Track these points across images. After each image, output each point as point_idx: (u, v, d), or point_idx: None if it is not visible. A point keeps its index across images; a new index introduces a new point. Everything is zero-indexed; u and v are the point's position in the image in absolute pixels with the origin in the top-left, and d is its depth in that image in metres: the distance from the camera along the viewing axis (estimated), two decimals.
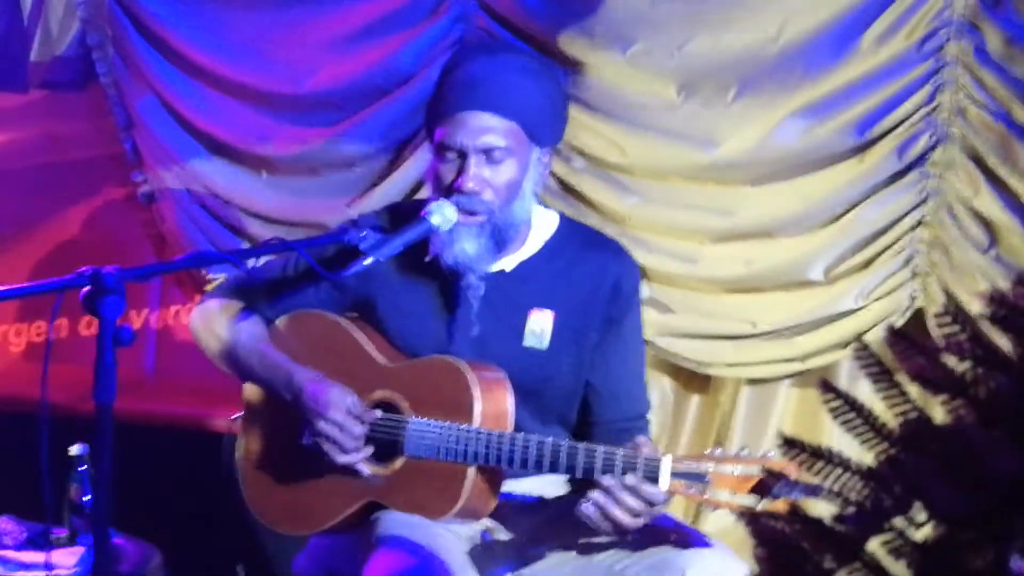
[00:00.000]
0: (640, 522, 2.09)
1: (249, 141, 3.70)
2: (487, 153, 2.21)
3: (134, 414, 3.20)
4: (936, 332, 0.95)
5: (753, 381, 3.35)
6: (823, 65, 3.13)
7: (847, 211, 3.18)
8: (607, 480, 2.08)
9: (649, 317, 3.02)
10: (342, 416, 2.20)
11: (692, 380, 3.43)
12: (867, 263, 3.19)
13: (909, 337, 0.95)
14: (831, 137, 3.15)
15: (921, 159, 3.10)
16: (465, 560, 2.21)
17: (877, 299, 3.18)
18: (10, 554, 2.70)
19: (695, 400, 3.44)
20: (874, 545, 0.93)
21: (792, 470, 2.03)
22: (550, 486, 2.36)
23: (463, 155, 2.21)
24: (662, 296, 3.32)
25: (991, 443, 0.86)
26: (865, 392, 1.02)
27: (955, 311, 0.90)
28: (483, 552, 2.29)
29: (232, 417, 2.45)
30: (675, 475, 2.07)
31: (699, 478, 2.06)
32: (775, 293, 3.27)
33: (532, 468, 2.16)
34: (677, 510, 3.28)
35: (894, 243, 3.16)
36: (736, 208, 3.25)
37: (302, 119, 3.64)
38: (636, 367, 2.42)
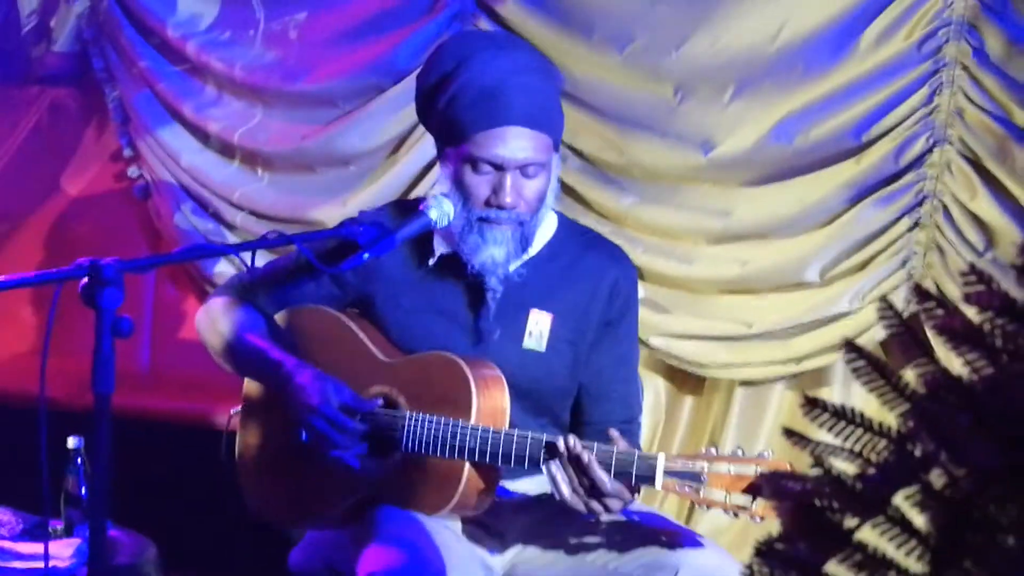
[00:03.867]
0: (600, 505, 2.09)
1: (246, 138, 3.69)
2: (523, 168, 2.21)
3: (130, 408, 3.19)
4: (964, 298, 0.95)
5: (747, 383, 3.34)
6: (821, 65, 3.12)
7: (843, 212, 3.17)
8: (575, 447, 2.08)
9: (644, 317, 3.01)
10: (332, 410, 2.19)
11: (686, 381, 3.42)
12: (863, 265, 3.18)
13: (932, 294, 0.95)
14: (828, 138, 3.13)
15: (918, 161, 3.08)
16: (460, 556, 2.21)
17: (873, 301, 3.17)
18: (7, 545, 2.69)
19: (688, 401, 3.43)
20: (898, 499, 0.93)
21: (788, 470, 2.02)
22: (545, 486, 2.36)
23: (500, 169, 2.21)
24: (657, 296, 3.31)
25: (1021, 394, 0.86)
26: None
27: (978, 269, 0.90)
28: (477, 548, 2.28)
29: (231, 412, 2.45)
30: (669, 474, 2.06)
31: (694, 477, 2.06)
32: (771, 294, 3.26)
33: (528, 466, 2.16)
34: (670, 510, 3.28)
35: (890, 245, 3.14)
36: (732, 209, 3.25)
37: (299, 116, 3.64)
38: (629, 370, 2.41)
